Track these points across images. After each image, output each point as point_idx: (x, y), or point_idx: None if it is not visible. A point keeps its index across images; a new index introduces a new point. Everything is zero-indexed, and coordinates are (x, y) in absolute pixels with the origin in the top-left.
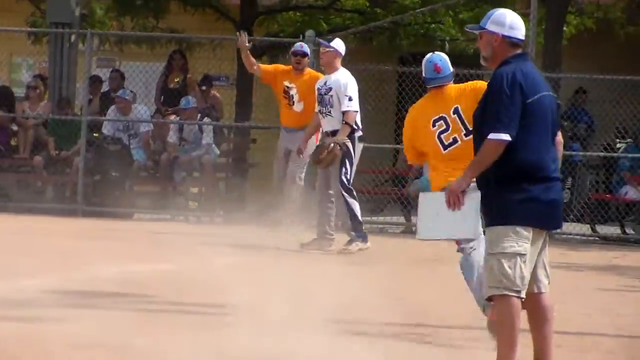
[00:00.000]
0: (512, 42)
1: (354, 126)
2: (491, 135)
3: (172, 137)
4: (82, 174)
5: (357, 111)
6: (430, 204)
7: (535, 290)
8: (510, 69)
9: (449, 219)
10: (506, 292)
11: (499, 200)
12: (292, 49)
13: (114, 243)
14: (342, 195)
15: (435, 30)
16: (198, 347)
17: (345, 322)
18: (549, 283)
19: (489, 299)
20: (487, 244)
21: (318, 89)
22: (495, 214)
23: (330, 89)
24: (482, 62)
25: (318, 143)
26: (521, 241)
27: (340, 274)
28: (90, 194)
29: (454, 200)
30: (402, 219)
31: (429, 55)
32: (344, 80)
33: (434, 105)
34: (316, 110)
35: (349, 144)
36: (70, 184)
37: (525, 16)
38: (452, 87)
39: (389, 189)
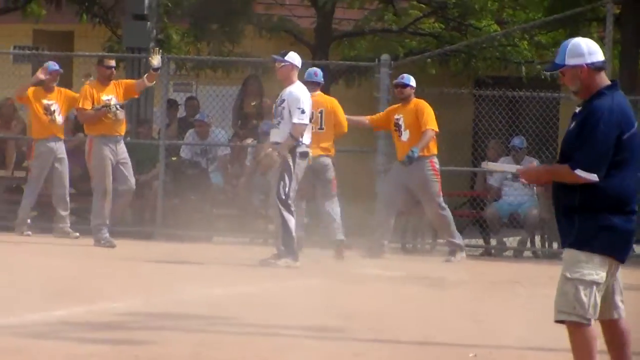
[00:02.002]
0: (597, 67)
1: (299, 139)
2: (580, 173)
3: (250, 160)
4: (161, 198)
5: (306, 124)
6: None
7: (615, 317)
8: (607, 104)
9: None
10: (577, 320)
11: (582, 225)
12: (395, 81)
13: (194, 266)
14: (278, 208)
15: (511, 53)
16: None
17: (429, 344)
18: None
19: (560, 322)
20: (565, 266)
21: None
22: (577, 237)
23: (284, 100)
24: (573, 97)
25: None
26: (600, 270)
27: (420, 297)
28: (169, 218)
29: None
30: (480, 242)
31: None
32: (297, 94)
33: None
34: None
35: (289, 159)
36: (149, 207)
37: (600, 40)
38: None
39: (467, 212)
